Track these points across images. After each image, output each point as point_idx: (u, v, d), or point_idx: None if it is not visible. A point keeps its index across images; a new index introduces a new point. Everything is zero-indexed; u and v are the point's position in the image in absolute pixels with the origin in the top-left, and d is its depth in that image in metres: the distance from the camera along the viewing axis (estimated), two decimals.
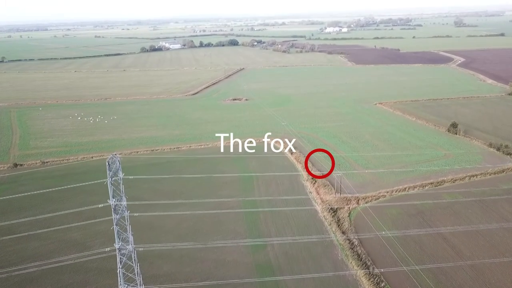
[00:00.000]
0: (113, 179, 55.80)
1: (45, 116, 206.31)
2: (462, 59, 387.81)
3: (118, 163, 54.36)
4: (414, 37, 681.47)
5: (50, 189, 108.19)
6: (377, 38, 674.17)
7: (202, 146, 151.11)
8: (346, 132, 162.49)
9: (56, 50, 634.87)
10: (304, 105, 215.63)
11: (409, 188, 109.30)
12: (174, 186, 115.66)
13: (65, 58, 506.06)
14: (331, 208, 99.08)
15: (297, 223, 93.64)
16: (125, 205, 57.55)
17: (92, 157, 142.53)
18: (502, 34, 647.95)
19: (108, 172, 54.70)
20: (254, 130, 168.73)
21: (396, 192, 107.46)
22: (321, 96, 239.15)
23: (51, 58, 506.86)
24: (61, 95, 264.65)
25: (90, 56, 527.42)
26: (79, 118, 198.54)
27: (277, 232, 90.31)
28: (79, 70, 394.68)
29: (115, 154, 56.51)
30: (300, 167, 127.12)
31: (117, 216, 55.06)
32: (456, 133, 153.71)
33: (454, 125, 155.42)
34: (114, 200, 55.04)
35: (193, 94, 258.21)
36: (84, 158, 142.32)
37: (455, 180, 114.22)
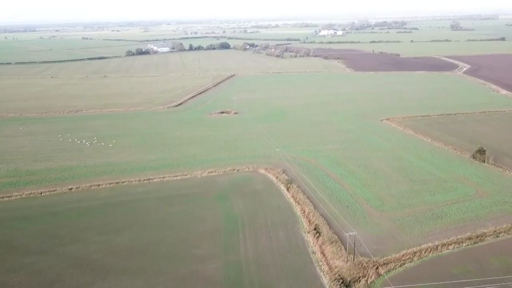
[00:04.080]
0: None
1: (2, 133, 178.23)
2: (467, 66, 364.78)
3: None
4: (412, 41, 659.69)
5: None
6: (374, 42, 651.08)
7: (178, 178, 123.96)
8: (352, 158, 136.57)
9: (38, 52, 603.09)
10: (300, 120, 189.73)
11: (441, 247, 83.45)
12: (136, 241, 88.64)
13: (45, 62, 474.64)
14: (343, 282, 72.96)
15: None
16: None
17: (41, 193, 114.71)
18: (503, 39, 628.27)
19: None
20: (243, 155, 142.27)
21: (425, 253, 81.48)
22: (319, 109, 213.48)
23: (30, 62, 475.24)
24: (28, 106, 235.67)
25: (72, 60, 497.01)
26: (49, 136, 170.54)
27: None
28: (57, 76, 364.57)
29: None
30: (298, 210, 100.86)
31: None
32: (483, 161, 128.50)
33: (481, 152, 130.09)
34: None
35: (176, 105, 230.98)
36: (31, 194, 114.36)
37: (499, 232, 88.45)
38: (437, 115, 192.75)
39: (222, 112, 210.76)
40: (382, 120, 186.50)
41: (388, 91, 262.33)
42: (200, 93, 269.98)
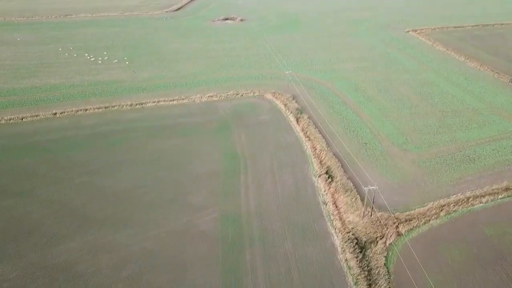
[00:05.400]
0: None
1: None
2: None
3: None
4: None
5: None
6: None
7: (175, 102, 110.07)
8: (373, 81, 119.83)
9: None
10: (315, 31, 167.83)
11: (474, 199, 72.12)
12: (123, 184, 78.40)
13: None
14: (357, 243, 63.35)
15: (302, 277, 58.58)
16: None
17: (23, 119, 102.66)
18: None
19: None
20: (248, 75, 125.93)
21: (454, 206, 70.40)
22: (337, 17, 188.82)
23: None
24: (12, 7, 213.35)
25: None
26: (34, 46, 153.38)
27: None
28: None
29: None
30: (309, 147, 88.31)
31: None
32: None
33: None
34: None
35: (176, 10, 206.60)
36: (11, 119, 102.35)
37: None
38: (472, 26, 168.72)
39: (226, 19, 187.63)
40: (408, 31, 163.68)
41: None
42: None
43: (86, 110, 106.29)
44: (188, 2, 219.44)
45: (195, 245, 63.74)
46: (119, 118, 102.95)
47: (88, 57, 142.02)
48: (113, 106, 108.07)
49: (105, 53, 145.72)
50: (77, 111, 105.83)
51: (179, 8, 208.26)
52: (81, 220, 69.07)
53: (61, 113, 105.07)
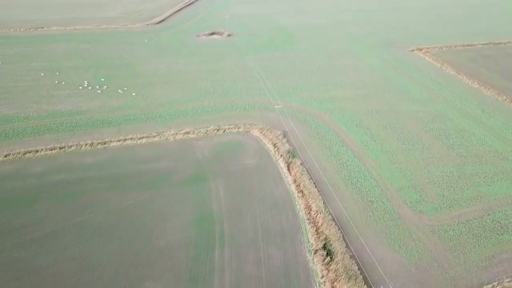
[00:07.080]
0: None
1: None
2: None
3: None
4: None
5: None
6: None
7: (144, 140, 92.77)
8: (376, 113, 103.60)
9: None
10: (310, 50, 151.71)
11: None
12: (66, 264, 61.00)
13: None
14: None
15: None
16: None
17: None
18: None
19: None
20: (232, 104, 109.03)
21: None
22: (333, 32, 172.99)
23: None
24: None
25: None
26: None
27: None
28: None
29: None
30: (302, 206, 71.45)
31: None
32: None
33: None
34: None
35: (158, 22, 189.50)
36: None
37: None
38: (483, 44, 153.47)
39: (213, 34, 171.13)
40: (412, 50, 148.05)
41: (420, 8, 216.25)
42: (190, 4, 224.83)
43: (37, 151, 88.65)
44: (171, 14, 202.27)
45: None
46: (75, 163, 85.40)
47: (51, 81, 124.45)
48: (70, 146, 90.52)
49: (70, 74, 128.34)
50: (26, 152, 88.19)
51: (161, 21, 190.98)
52: None
53: (5, 156, 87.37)
